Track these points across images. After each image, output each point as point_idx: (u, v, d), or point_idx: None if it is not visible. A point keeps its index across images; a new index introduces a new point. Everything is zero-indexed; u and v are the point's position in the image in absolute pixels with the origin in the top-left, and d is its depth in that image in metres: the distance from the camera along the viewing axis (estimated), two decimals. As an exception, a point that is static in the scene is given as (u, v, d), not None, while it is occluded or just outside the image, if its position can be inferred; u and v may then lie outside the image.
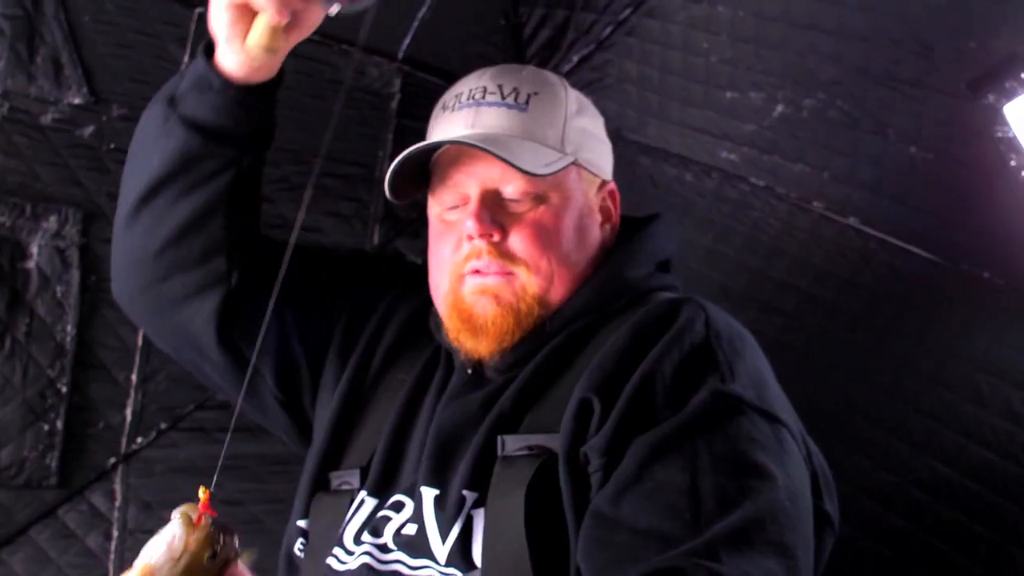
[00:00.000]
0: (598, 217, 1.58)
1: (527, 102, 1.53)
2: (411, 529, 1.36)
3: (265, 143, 1.56)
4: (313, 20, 1.38)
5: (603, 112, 2.50)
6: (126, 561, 2.04)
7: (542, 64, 2.61)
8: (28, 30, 2.03)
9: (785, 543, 1.16)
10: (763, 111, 2.23)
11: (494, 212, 1.47)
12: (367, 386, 1.62)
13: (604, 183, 1.61)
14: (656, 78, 2.40)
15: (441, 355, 1.60)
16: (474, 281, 1.47)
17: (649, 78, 2.41)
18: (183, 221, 1.50)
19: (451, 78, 2.55)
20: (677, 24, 2.29)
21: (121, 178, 1.62)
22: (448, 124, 1.53)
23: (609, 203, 1.61)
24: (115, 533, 2.12)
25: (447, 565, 1.31)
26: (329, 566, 1.41)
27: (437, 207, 1.55)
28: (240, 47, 1.35)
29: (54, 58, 2.06)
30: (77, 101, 2.10)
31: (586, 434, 1.29)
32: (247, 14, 1.33)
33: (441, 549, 1.32)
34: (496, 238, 1.46)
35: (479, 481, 1.33)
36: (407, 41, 2.46)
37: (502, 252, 1.46)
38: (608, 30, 2.46)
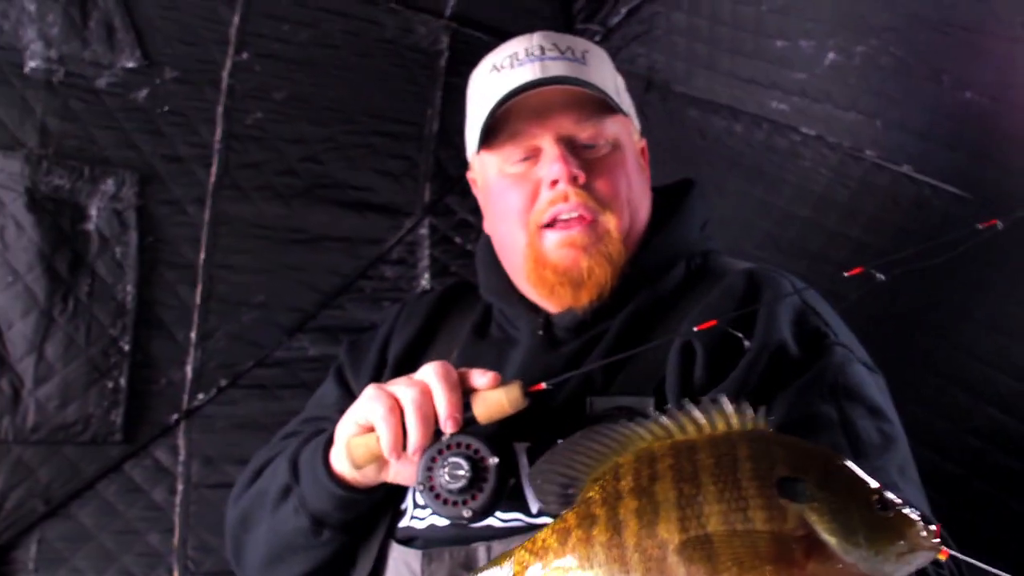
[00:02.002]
0: (644, 169, 1.65)
1: (583, 57, 1.58)
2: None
3: (359, 532, 1.52)
4: (405, 477, 1.37)
5: (651, 64, 2.53)
6: (191, 514, 2.10)
7: (590, 17, 2.61)
8: (81, -5, 2.05)
9: (919, 483, 1.34)
10: (814, 59, 2.20)
11: (575, 157, 1.50)
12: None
13: (639, 140, 1.68)
14: (705, 28, 2.38)
15: (491, 321, 1.65)
16: (556, 235, 1.50)
17: (698, 28, 2.39)
18: None
19: (499, 34, 2.55)
20: (726, -28, 2.27)
21: (241, 506, 1.64)
22: (512, 79, 1.54)
23: (642, 160, 1.67)
24: (179, 487, 2.17)
25: (539, 514, 1.34)
26: (411, 526, 1.45)
27: (497, 163, 1.57)
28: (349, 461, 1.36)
29: (107, 22, 2.08)
30: (130, 64, 2.13)
31: (691, 390, 1.34)
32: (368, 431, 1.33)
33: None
34: (581, 180, 1.49)
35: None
36: (454, -2, 2.46)
37: (589, 194, 1.49)
38: (657, -20, 2.45)
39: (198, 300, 2.21)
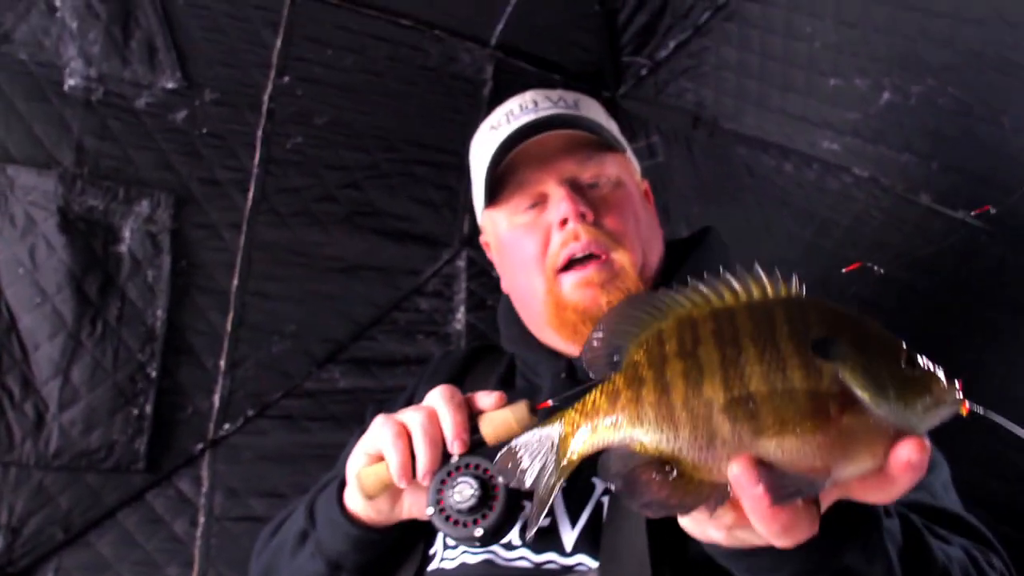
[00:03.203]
0: (651, 209, 1.67)
1: (576, 104, 1.64)
2: (544, 522, 1.35)
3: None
4: (420, 509, 1.33)
5: (699, 100, 2.47)
6: (212, 547, 2.05)
7: (638, 50, 2.57)
8: (123, 14, 2.04)
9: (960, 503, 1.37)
10: (868, 98, 2.13)
11: (581, 196, 1.52)
12: None
13: (641, 181, 1.70)
14: (755, 64, 2.32)
15: (516, 372, 1.66)
16: (573, 277, 1.51)
17: (748, 64, 2.33)
18: None
19: (544, 65, 2.53)
20: (779, 8, 2.21)
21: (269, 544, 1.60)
22: (509, 132, 1.57)
23: (646, 201, 1.69)
24: (201, 519, 2.11)
25: (573, 552, 1.30)
26: (441, 568, 1.40)
27: (507, 216, 1.59)
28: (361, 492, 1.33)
29: (148, 42, 2.07)
30: (170, 85, 2.11)
31: None
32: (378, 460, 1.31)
33: (570, 534, 1.32)
34: (590, 218, 1.50)
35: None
36: (499, 27, 2.42)
37: (600, 230, 1.50)
38: (707, 15, 2.40)
39: (229, 327, 2.17)
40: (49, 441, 1.95)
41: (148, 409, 2.05)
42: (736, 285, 0.88)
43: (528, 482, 0.93)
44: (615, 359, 0.90)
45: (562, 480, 0.91)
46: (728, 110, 2.40)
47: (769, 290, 0.87)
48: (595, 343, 0.92)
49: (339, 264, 2.30)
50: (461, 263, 2.45)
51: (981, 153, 2.01)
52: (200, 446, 2.14)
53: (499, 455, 0.96)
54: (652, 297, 0.90)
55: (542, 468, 0.92)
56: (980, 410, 0.86)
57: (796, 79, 2.25)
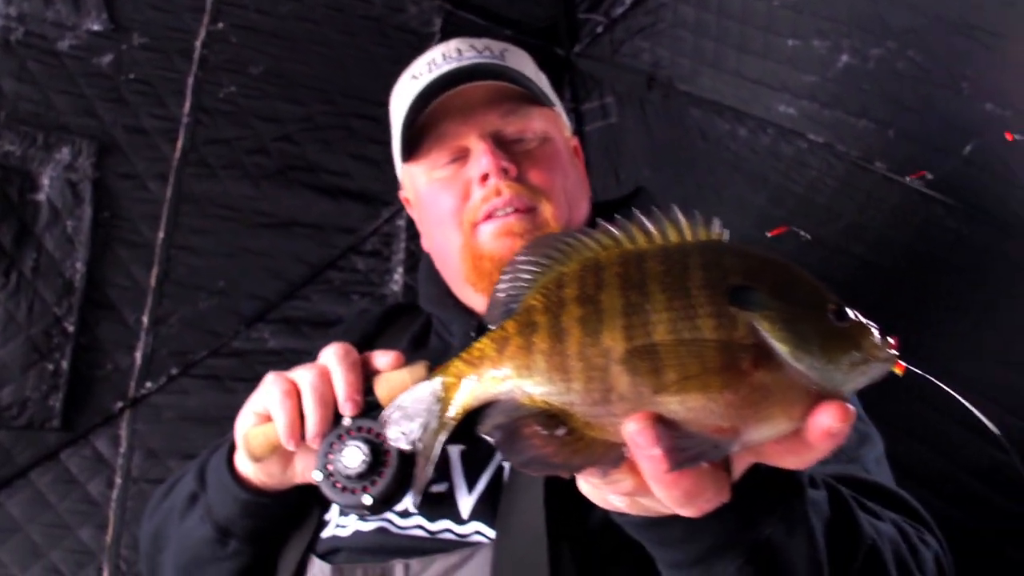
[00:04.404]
0: (580, 166, 1.61)
1: (502, 55, 1.55)
2: (440, 488, 1.28)
3: (269, 544, 1.38)
4: (307, 473, 1.25)
5: (655, 60, 2.39)
6: (128, 510, 1.96)
7: (593, 7, 2.48)
8: (46, -50, 1.94)
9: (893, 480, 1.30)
10: (827, 61, 2.06)
11: (503, 151, 1.45)
12: None
13: (570, 137, 1.63)
14: (712, 24, 2.24)
15: (431, 331, 1.59)
16: (491, 226, 1.43)
17: (705, 24, 2.25)
18: None
19: (496, 19, 2.44)
20: (738, -36, 2.13)
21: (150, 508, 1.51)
22: (427, 83, 1.49)
23: (576, 159, 1.62)
24: (118, 480, 2.01)
25: (469, 520, 1.24)
26: (336, 535, 1.33)
27: (425, 171, 1.52)
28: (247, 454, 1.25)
29: (73, -19, 1.97)
30: (96, 28, 2.02)
31: None
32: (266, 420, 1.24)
33: (467, 500, 1.26)
34: (513, 173, 1.43)
35: None
36: (450, -23, 2.33)
37: (522, 185, 1.43)
38: (664, -30, 2.31)
39: (153, 282, 2.08)
40: (-44, 396, 1.85)
41: (64, 365, 1.95)
42: (651, 227, 0.79)
43: (409, 442, 0.84)
44: (512, 305, 0.82)
45: (443, 436, 0.83)
46: (684, 71, 2.32)
47: (687, 233, 0.79)
48: (499, 295, 0.83)
49: (271, 219, 2.21)
50: (401, 222, 2.36)
51: (939, 120, 1.93)
52: (119, 404, 2.04)
53: (381, 414, 0.87)
54: (557, 239, 0.82)
55: (425, 425, 0.84)
56: (917, 371, 0.77)
57: (754, 40, 2.17)
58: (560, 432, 0.74)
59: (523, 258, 0.83)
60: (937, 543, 1.14)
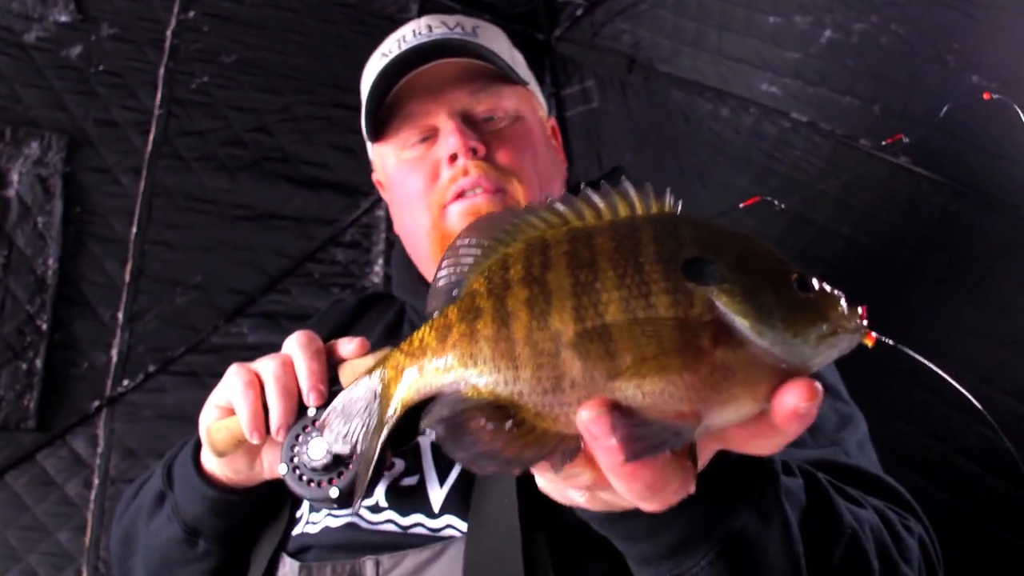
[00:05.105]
0: (556, 148, 1.57)
1: (474, 31, 1.50)
2: (411, 481, 1.24)
3: (239, 544, 1.34)
4: (274, 467, 1.21)
5: (635, 42, 2.35)
6: (107, 512, 1.92)
7: (572, -12, 2.43)
8: (9, -60, 1.91)
9: (878, 463, 1.26)
10: (809, 37, 2.02)
11: (473, 130, 1.41)
12: None
13: (547, 118, 1.59)
14: (693, 2, 2.19)
15: (404, 319, 1.56)
16: (460, 206, 1.39)
17: (686, 3, 2.21)
18: None
19: (473, 3, 2.39)
20: (718, -58, 2.09)
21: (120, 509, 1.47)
22: (393, 59, 1.45)
23: (553, 140, 1.58)
24: (95, 481, 1.97)
25: (441, 513, 1.20)
26: (305, 532, 1.28)
27: (395, 151, 1.49)
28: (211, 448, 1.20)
29: (39, -29, 1.94)
30: (63, 19, 1.99)
31: None
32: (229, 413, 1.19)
33: (438, 493, 1.21)
34: (481, 153, 1.39)
35: None
36: (426, -37, 2.30)
37: (491, 165, 1.39)
38: (644, -51, 2.27)
39: (127, 278, 2.04)
40: (-73, 397, 1.82)
41: (38, 364, 1.92)
42: (599, 202, 0.75)
43: (349, 444, 0.79)
44: (454, 293, 0.77)
45: (384, 435, 0.78)
46: (664, 52, 2.28)
47: (639, 207, 0.74)
48: (439, 282, 0.78)
49: (248, 212, 2.17)
50: (380, 213, 2.32)
51: (924, 95, 1.90)
52: (96, 403, 2.00)
53: (323, 414, 0.83)
54: (500, 219, 0.77)
55: (366, 423, 0.79)
56: (888, 341, 0.73)
57: (735, 17, 2.14)
58: (509, 425, 0.69)
59: (464, 241, 0.78)
60: (922, 528, 1.11)
